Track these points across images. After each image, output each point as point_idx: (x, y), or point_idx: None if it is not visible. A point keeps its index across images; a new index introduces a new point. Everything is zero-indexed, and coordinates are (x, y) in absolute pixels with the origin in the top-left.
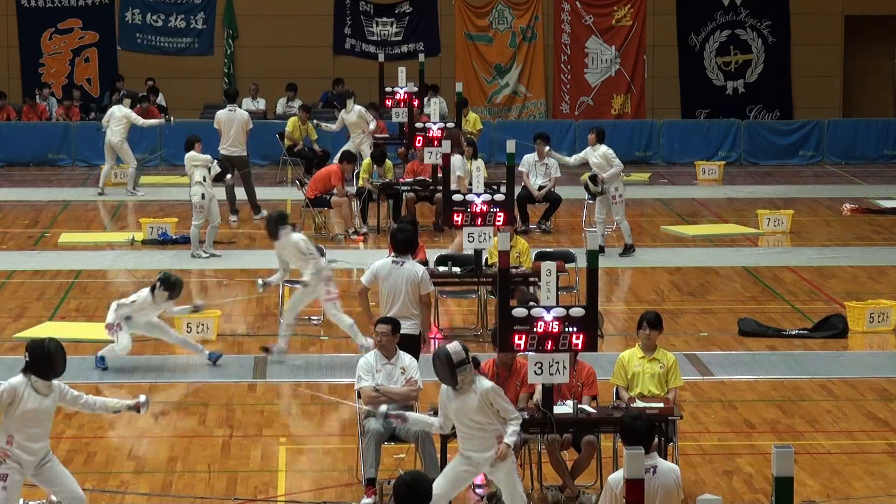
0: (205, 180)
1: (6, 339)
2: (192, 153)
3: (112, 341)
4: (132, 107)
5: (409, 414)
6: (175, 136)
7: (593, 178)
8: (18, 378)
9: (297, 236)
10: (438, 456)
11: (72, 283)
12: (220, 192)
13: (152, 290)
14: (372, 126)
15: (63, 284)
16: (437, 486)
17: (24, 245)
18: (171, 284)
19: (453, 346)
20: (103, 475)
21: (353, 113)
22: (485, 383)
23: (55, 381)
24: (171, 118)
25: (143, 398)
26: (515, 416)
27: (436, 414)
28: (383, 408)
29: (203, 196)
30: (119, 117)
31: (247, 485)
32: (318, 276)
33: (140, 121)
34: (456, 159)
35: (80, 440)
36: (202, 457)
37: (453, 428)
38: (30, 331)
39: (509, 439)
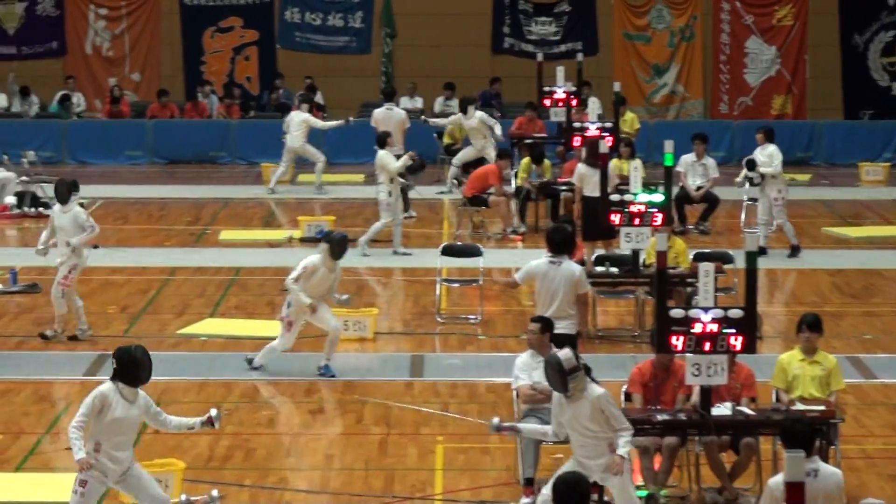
0: (391, 181)
1: (169, 335)
2: (383, 151)
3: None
4: (309, 111)
5: (521, 426)
6: (334, 134)
7: (750, 163)
8: (107, 385)
9: (80, 210)
10: None
11: (232, 279)
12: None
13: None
14: (498, 131)
15: (223, 281)
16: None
17: (185, 242)
18: (333, 241)
19: (564, 353)
20: (262, 471)
21: (475, 118)
22: (596, 390)
23: (141, 393)
24: (351, 119)
25: (213, 412)
26: (626, 427)
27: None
28: (496, 420)
29: (390, 194)
30: (298, 122)
31: (404, 483)
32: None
33: (320, 124)
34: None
35: (239, 436)
36: (359, 454)
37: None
38: (190, 328)
39: (622, 451)
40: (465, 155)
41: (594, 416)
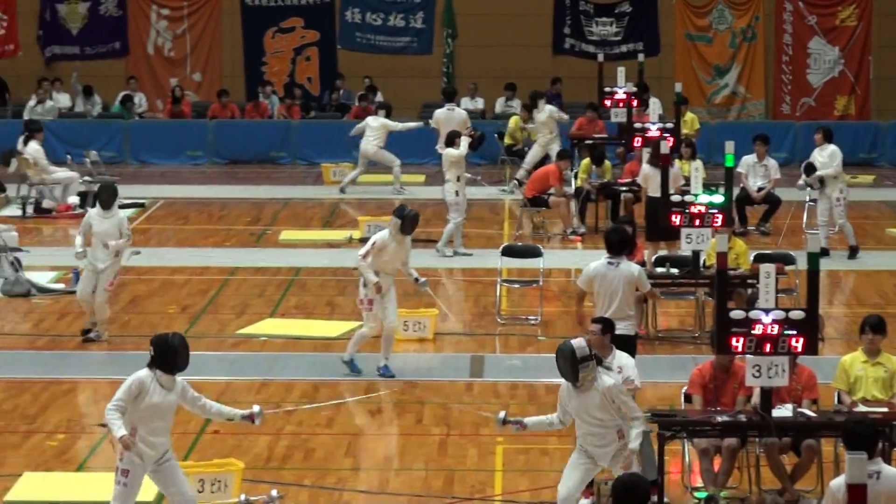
0: (458, 179)
1: (229, 335)
2: (450, 150)
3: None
4: (386, 116)
5: (528, 420)
6: (396, 135)
7: (809, 167)
8: (144, 372)
9: (125, 216)
10: (656, 457)
11: (291, 280)
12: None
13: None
14: (560, 114)
15: (283, 281)
16: (565, 482)
17: (246, 242)
18: (406, 217)
19: (578, 342)
20: (322, 472)
21: (544, 112)
22: (607, 380)
23: (179, 379)
24: (428, 121)
25: (256, 409)
26: (638, 416)
27: None
28: (501, 414)
29: (457, 193)
30: (376, 127)
31: (464, 483)
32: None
33: (399, 126)
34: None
35: (298, 436)
36: (419, 455)
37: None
38: (250, 328)
39: (634, 444)
40: (532, 156)
41: (603, 405)
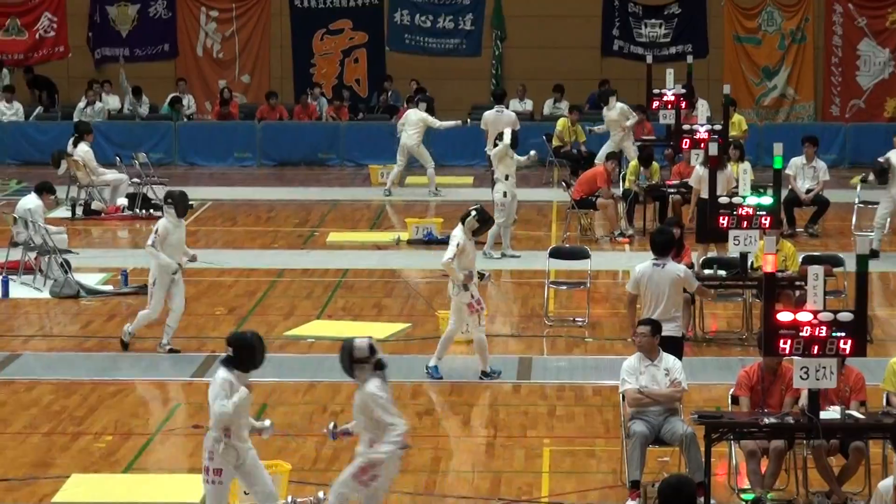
0: (507, 178)
1: (276, 337)
2: (497, 148)
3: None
4: (426, 110)
5: (353, 426)
6: (445, 137)
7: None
8: (225, 371)
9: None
10: (703, 459)
11: (339, 281)
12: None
13: (463, 220)
14: (629, 122)
15: (330, 283)
16: None
17: (293, 244)
18: (482, 215)
19: (360, 342)
20: None
21: (615, 110)
22: (368, 386)
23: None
24: (468, 120)
25: (267, 423)
26: (393, 428)
27: None
28: (330, 425)
29: (505, 194)
30: (415, 121)
31: (511, 486)
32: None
33: (437, 123)
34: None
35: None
36: (466, 457)
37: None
38: (298, 329)
39: (372, 454)
40: (604, 150)
41: (360, 408)
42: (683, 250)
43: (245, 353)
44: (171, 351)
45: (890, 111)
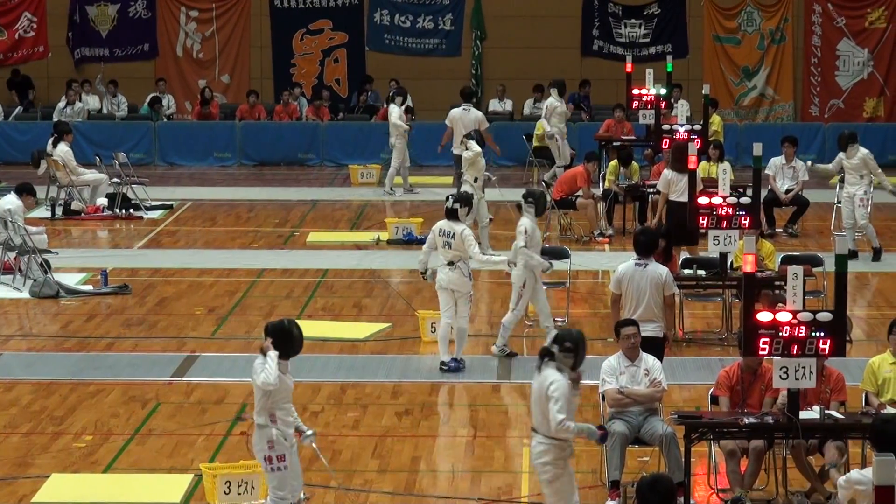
0: (476, 181)
1: (256, 337)
2: (465, 153)
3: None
4: (401, 104)
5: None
6: (423, 136)
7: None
8: (261, 359)
9: None
10: (683, 459)
11: (319, 281)
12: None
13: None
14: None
15: (311, 283)
16: None
17: (273, 244)
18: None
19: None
20: (348, 473)
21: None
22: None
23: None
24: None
25: (310, 431)
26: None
27: None
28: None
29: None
30: (397, 116)
31: (490, 485)
32: None
33: (396, 122)
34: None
35: (325, 437)
36: (445, 457)
37: None
38: None
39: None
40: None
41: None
42: (671, 260)
43: (282, 339)
44: (509, 355)
45: (869, 111)
